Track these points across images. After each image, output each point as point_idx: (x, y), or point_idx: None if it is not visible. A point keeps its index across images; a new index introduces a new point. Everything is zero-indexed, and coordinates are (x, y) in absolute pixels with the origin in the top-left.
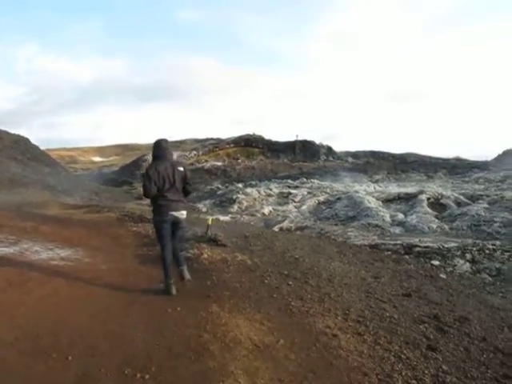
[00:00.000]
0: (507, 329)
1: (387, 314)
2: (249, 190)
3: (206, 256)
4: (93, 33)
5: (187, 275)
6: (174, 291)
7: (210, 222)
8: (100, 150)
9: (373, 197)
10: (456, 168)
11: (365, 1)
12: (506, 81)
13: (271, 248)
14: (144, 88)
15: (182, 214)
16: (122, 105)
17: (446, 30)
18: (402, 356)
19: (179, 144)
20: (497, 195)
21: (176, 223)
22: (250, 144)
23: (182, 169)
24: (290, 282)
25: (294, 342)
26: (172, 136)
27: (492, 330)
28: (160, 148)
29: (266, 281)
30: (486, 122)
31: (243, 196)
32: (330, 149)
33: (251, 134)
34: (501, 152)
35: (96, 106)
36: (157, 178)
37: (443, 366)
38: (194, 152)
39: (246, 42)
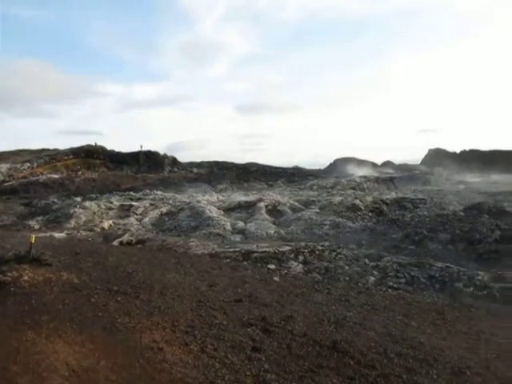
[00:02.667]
0: (327, 322)
1: (216, 321)
2: (88, 203)
3: (26, 278)
4: None
5: None
6: None
7: (32, 241)
8: None
9: (215, 206)
10: (294, 176)
11: (213, 18)
12: (333, 100)
13: (104, 264)
14: None
15: None
16: None
17: (284, 49)
18: (227, 361)
19: (10, 155)
20: (327, 200)
21: None
22: (91, 155)
23: None
24: (119, 298)
25: (117, 361)
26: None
27: (313, 324)
28: None
29: (92, 299)
30: (322, 134)
31: (81, 210)
32: (174, 160)
33: (92, 144)
34: (332, 161)
35: None
36: None
37: (265, 365)
38: (28, 164)
39: (90, 48)
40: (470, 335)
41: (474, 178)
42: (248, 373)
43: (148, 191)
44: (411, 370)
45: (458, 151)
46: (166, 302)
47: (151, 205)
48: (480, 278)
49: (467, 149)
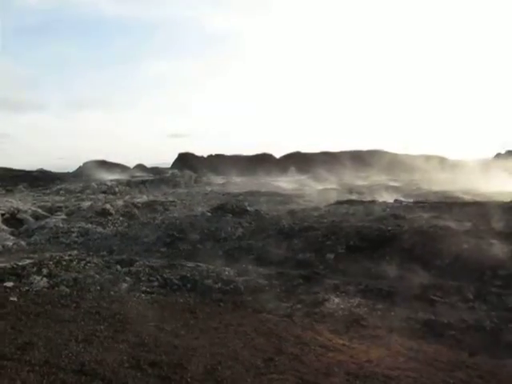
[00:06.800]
0: (74, 341)
1: None
2: None
3: None
4: None
5: None
6: None
7: None
8: None
9: None
10: (38, 180)
11: None
12: (83, 100)
13: None
14: None
15: None
16: None
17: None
18: None
19: None
20: (75, 206)
21: None
22: None
23: None
24: None
25: None
26: None
27: (57, 347)
28: None
29: None
30: (70, 135)
31: None
32: None
33: None
34: (82, 164)
35: None
36: None
37: None
38: None
39: None
40: (220, 330)
41: (219, 181)
42: None
43: None
44: (165, 379)
45: (205, 155)
46: None
47: None
48: (227, 273)
49: (213, 153)
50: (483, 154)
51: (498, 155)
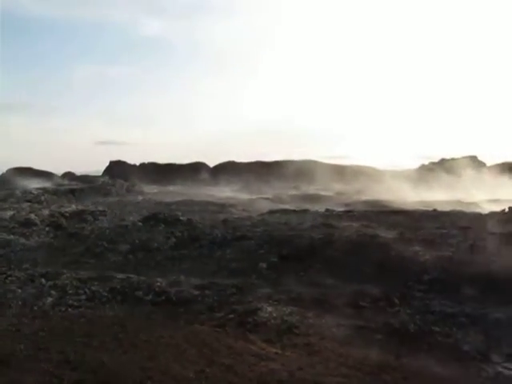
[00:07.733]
0: None
1: None
2: None
3: None
4: None
5: None
6: None
7: None
8: None
9: None
10: None
11: None
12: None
13: None
14: None
15: None
16: None
17: None
18: None
19: None
20: None
21: None
22: None
23: None
24: None
25: None
26: None
27: None
28: None
29: None
30: None
31: None
32: None
33: None
34: (4, 171)
35: None
36: None
37: None
38: None
39: None
40: (151, 343)
41: (152, 189)
42: None
43: None
44: None
45: (137, 163)
46: None
47: None
48: (158, 284)
49: (146, 161)
50: (408, 164)
51: (423, 166)
